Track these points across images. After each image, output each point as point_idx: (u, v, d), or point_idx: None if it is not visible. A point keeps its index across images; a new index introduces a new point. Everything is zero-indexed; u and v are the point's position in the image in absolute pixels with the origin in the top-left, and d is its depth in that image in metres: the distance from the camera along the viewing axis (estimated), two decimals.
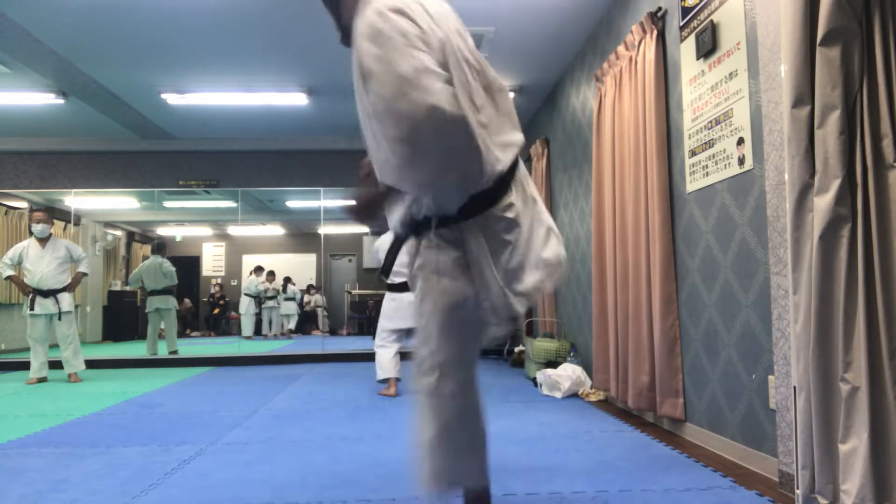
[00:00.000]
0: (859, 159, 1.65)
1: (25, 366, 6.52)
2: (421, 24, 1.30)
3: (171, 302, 7.08)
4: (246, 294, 9.88)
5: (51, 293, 5.34)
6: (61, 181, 7.09)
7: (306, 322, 10.89)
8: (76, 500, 2.12)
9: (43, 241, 5.39)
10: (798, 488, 1.79)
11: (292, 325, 10.38)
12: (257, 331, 10.00)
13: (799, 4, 1.73)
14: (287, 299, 10.44)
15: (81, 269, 5.59)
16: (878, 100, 1.64)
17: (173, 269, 7.16)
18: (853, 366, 1.63)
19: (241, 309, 9.87)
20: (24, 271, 5.38)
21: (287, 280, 10.57)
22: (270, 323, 10.15)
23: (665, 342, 3.02)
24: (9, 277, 5.38)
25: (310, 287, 10.95)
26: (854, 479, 1.59)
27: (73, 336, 5.39)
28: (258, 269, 10.14)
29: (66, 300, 5.40)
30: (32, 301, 5.30)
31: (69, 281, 5.48)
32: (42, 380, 5.36)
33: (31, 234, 5.45)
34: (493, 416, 3.61)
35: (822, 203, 1.67)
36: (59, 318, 5.35)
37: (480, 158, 1.39)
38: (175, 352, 7.02)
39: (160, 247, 7.34)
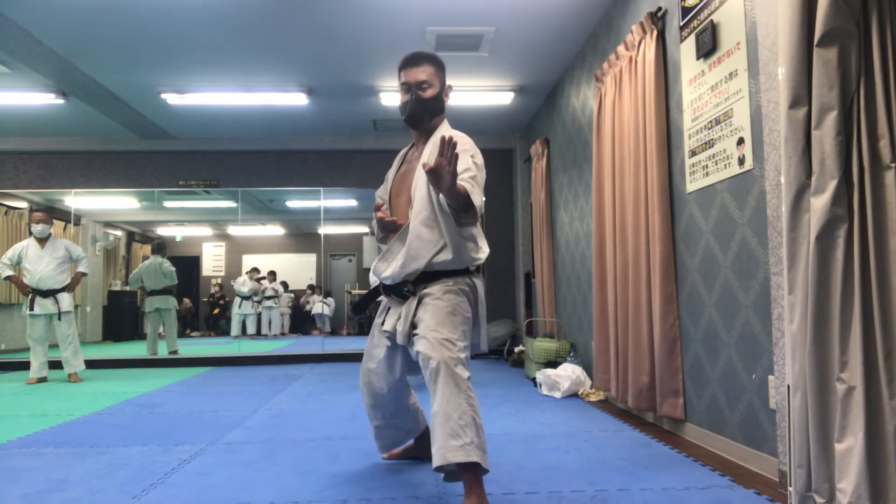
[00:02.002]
0: (856, 160, 1.65)
1: (25, 366, 6.53)
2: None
3: (171, 302, 7.08)
4: (237, 294, 9.86)
5: (50, 293, 5.34)
6: (61, 181, 7.10)
7: (306, 322, 10.91)
8: (76, 499, 2.13)
9: (42, 241, 5.39)
10: (791, 486, 1.80)
11: (327, 326, 10.45)
12: (256, 331, 9.97)
13: (796, 5, 1.73)
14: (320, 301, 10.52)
15: (81, 269, 5.59)
16: (874, 101, 1.65)
17: (173, 269, 7.16)
18: (849, 365, 1.63)
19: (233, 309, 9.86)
20: (23, 271, 5.38)
21: (318, 288, 10.70)
22: (270, 323, 10.15)
23: (665, 342, 3.02)
24: (8, 277, 5.36)
25: (311, 287, 10.97)
26: (850, 478, 1.60)
27: (72, 336, 5.40)
28: (253, 270, 10.11)
29: (65, 300, 5.41)
30: (32, 301, 5.30)
31: (69, 281, 5.48)
32: (42, 380, 5.37)
33: (30, 233, 5.45)
34: (492, 415, 3.62)
35: (818, 203, 1.68)
36: (59, 319, 5.36)
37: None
38: (175, 352, 7.03)
39: (160, 247, 7.34)
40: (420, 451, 2.55)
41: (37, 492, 2.22)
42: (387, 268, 2.15)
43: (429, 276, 2.10)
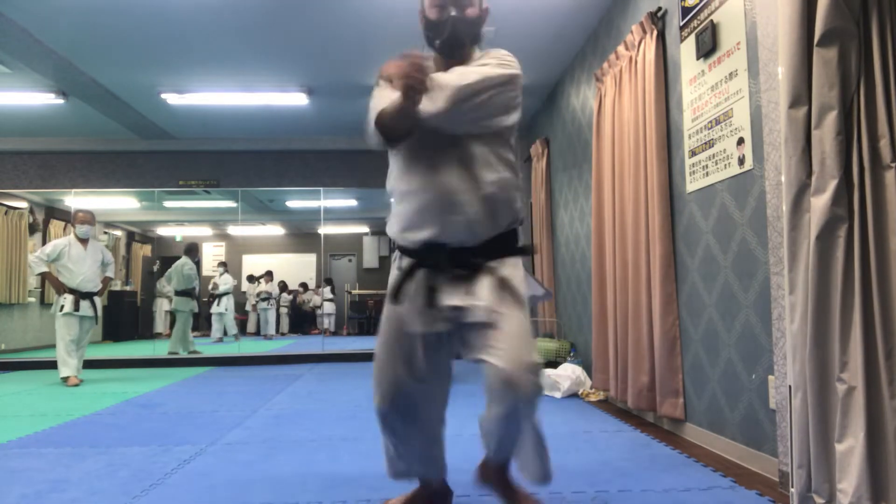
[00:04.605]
0: (856, 160, 1.65)
1: (25, 366, 6.54)
2: None
3: (187, 304, 7.24)
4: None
5: (88, 295, 5.27)
6: (61, 181, 7.10)
7: (304, 322, 10.91)
8: (76, 500, 2.13)
9: (84, 241, 5.33)
10: (793, 487, 1.80)
11: (332, 325, 10.42)
12: (242, 331, 9.86)
13: (796, 5, 1.73)
14: (327, 300, 10.50)
15: (109, 273, 5.55)
16: (875, 100, 1.65)
17: (193, 272, 7.34)
18: (850, 365, 1.63)
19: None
20: (60, 270, 5.23)
21: (329, 281, 10.69)
22: (266, 324, 10.12)
23: (665, 342, 3.02)
24: (42, 274, 5.21)
25: (303, 285, 10.97)
26: (851, 479, 1.60)
27: (88, 340, 5.39)
28: (220, 265, 9.51)
29: (98, 304, 5.38)
30: (77, 302, 5.18)
31: (101, 285, 5.46)
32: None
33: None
34: None
35: (818, 203, 1.67)
36: (96, 322, 5.32)
37: None
38: (175, 353, 7.05)
39: (189, 249, 7.54)
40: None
41: (37, 492, 2.22)
42: (447, 226, 1.62)
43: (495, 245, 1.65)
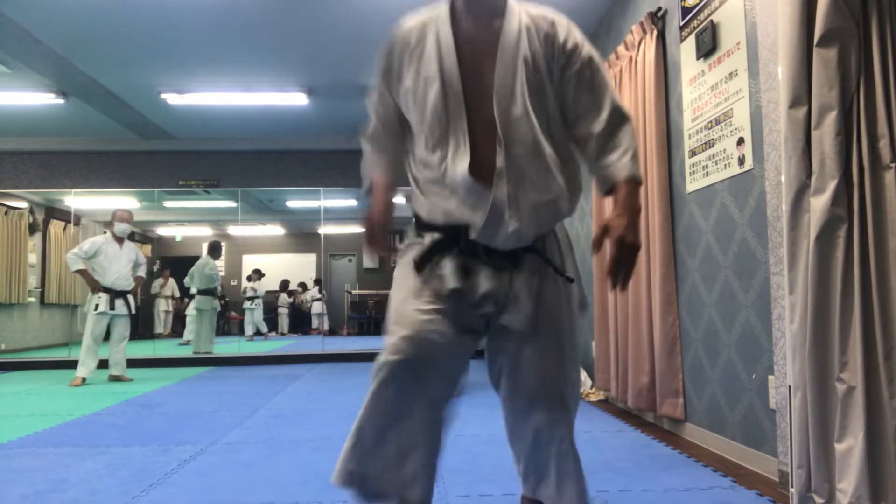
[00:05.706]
0: (856, 160, 1.65)
1: (25, 366, 6.54)
2: None
3: (208, 303, 7.25)
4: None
5: (121, 294, 5.27)
6: (61, 181, 7.10)
7: (304, 322, 10.90)
8: (76, 500, 2.13)
9: (120, 240, 5.34)
10: (792, 486, 1.80)
11: (325, 325, 10.43)
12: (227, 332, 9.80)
13: (796, 5, 1.73)
14: (316, 299, 10.47)
15: (140, 273, 5.56)
16: (874, 100, 1.65)
17: (214, 272, 7.35)
18: (849, 366, 1.63)
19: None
20: (94, 268, 5.21)
21: (318, 282, 10.67)
22: (250, 324, 10.05)
23: (665, 342, 3.02)
24: (78, 271, 5.19)
25: (301, 285, 10.94)
26: (850, 479, 1.60)
27: (127, 337, 5.40)
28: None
29: (131, 302, 5.39)
30: (113, 300, 5.19)
31: (134, 283, 5.47)
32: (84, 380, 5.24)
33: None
34: (493, 415, 3.60)
35: (818, 203, 1.67)
36: (129, 319, 5.34)
37: None
38: (206, 352, 7.08)
39: (212, 248, 7.56)
40: None
41: (37, 492, 2.22)
42: (499, 227, 1.39)
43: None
